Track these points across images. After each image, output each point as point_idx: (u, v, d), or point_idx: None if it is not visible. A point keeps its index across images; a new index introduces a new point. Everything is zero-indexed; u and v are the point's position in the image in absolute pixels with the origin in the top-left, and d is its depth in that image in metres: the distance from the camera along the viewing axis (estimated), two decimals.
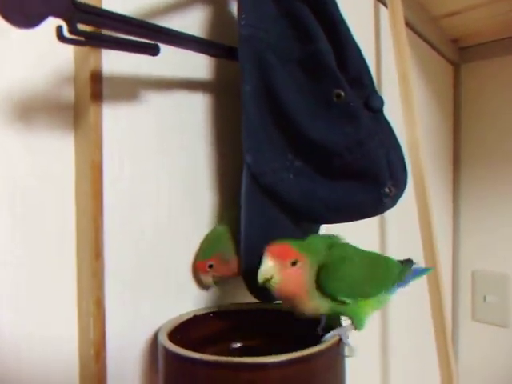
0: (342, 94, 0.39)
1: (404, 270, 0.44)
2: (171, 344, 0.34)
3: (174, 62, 0.42)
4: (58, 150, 0.34)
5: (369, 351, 0.79)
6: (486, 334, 1.11)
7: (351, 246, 0.41)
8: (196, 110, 0.45)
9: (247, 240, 0.41)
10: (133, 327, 0.39)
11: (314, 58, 0.40)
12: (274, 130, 0.41)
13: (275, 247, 0.34)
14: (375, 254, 0.43)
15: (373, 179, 0.40)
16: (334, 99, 0.40)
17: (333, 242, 0.40)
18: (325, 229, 0.48)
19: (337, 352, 0.36)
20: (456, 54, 1.13)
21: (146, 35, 0.33)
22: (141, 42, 0.33)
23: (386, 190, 0.40)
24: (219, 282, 0.44)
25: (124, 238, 0.38)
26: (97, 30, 0.33)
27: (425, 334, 0.83)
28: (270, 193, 0.41)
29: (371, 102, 0.42)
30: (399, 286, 0.43)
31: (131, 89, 0.39)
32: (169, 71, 0.42)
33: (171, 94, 0.42)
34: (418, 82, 0.96)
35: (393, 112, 0.82)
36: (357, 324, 0.38)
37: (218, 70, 0.46)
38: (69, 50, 0.34)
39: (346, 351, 0.38)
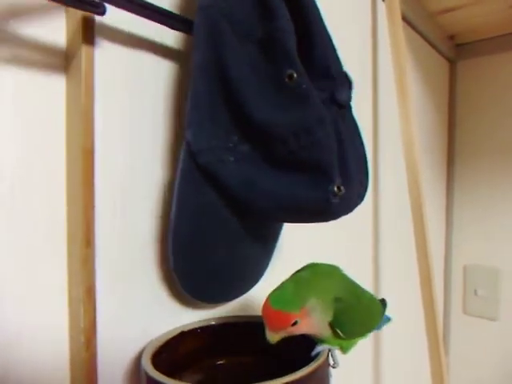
0: (295, 75, 0.36)
1: (382, 311, 0.45)
2: (151, 367, 0.33)
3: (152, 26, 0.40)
4: (48, 103, 0.33)
5: (360, 345, 0.79)
6: (477, 327, 1.12)
7: (353, 282, 0.41)
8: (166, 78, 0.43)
9: (176, 229, 0.38)
10: (123, 315, 0.39)
11: (271, 36, 0.37)
12: (220, 107, 0.37)
13: (269, 319, 0.34)
14: (369, 294, 0.43)
15: (319, 173, 0.36)
16: (286, 80, 0.36)
17: (334, 276, 0.40)
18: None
19: (325, 368, 0.37)
20: (452, 51, 1.13)
21: None
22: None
23: (335, 188, 0.36)
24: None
25: (115, 225, 0.38)
26: None
27: (416, 328, 0.84)
28: (208, 175, 0.37)
29: (337, 96, 0.39)
30: (378, 327, 0.45)
31: (119, 42, 0.38)
32: (152, 34, 0.41)
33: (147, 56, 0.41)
34: (414, 78, 0.96)
35: (388, 107, 0.82)
36: (344, 350, 0.41)
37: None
38: None
39: (331, 362, 0.39)
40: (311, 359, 0.36)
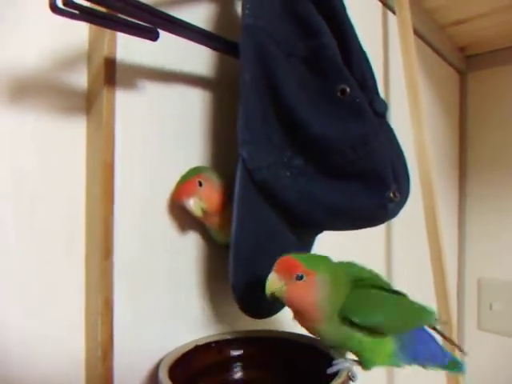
0: (348, 89, 0.37)
1: (429, 318, 0.39)
2: (168, 381, 0.33)
3: (179, 54, 0.42)
4: (68, 139, 0.34)
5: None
6: (492, 343, 1.09)
7: (384, 279, 0.39)
8: (196, 104, 0.44)
9: (237, 246, 0.38)
10: (141, 328, 0.38)
11: (317, 53, 0.38)
12: (272, 124, 0.39)
13: (281, 260, 0.34)
14: (404, 295, 0.40)
15: (377, 181, 0.38)
16: (339, 94, 0.37)
17: (351, 266, 0.39)
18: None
19: None
20: (463, 63, 1.13)
21: (145, 18, 0.32)
22: (139, 25, 0.32)
23: (391, 194, 0.38)
24: (206, 214, 0.39)
25: (134, 237, 0.38)
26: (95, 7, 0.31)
27: None
28: (264, 191, 0.38)
29: (375, 106, 0.40)
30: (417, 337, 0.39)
31: (140, 77, 0.39)
32: (174, 64, 0.42)
33: (175, 87, 0.42)
34: (425, 90, 0.96)
35: (401, 118, 0.82)
36: (365, 363, 0.37)
37: (221, 67, 0.46)
38: (83, 32, 0.34)
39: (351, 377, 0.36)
40: (329, 376, 0.35)
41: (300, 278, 0.34)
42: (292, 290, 0.34)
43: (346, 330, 0.35)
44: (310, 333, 0.37)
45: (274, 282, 0.34)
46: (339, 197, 0.38)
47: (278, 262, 0.35)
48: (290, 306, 0.36)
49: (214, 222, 0.41)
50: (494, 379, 1.09)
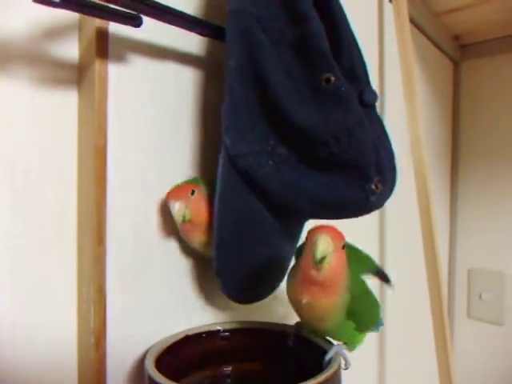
0: (332, 78, 0.36)
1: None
2: (154, 370, 0.32)
3: (172, 31, 0.40)
4: (59, 115, 0.33)
5: (365, 350, 0.79)
6: (481, 331, 1.11)
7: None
8: (189, 82, 0.43)
9: (219, 232, 0.38)
10: (134, 315, 0.38)
11: (304, 39, 0.37)
12: (256, 111, 0.38)
13: (327, 227, 0.33)
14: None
15: (359, 173, 0.37)
16: (323, 83, 0.36)
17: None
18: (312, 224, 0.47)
19: (339, 372, 0.36)
20: (457, 52, 1.13)
21: (127, 4, 0.30)
22: (123, 12, 0.31)
23: (372, 186, 0.37)
24: (189, 225, 0.39)
25: (127, 223, 0.37)
26: None
27: (423, 330, 0.84)
28: (247, 179, 0.38)
29: (364, 96, 0.39)
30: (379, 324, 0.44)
31: (134, 52, 0.38)
32: (168, 40, 0.41)
33: (169, 63, 0.41)
34: (419, 78, 0.96)
35: (396, 107, 0.82)
36: (350, 346, 0.40)
37: (214, 46, 0.45)
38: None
39: (343, 364, 0.38)
40: (321, 368, 0.35)
41: (343, 247, 0.34)
42: (338, 258, 0.33)
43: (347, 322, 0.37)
44: (313, 315, 0.36)
45: (328, 245, 0.32)
46: (321, 187, 0.38)
47: (322, 227, 0.33)
48: (326, 275, 0.33)
49: (195, 237, 0.40)
50: (483, 365, 1.11)
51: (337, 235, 0.33)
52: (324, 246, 0.32)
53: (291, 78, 0.37)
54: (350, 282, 0.36)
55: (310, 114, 0.37)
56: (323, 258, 0.32)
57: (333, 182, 0.38)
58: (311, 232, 0.34)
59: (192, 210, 0.38)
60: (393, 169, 0.42)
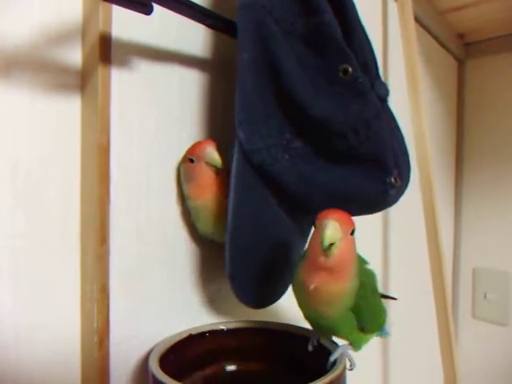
0: (350, 69, 0.35)
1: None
2: (158, 369, 0.32)
3: (176, 33, 0.40)
4: (63, 119, 0.33)
5: (369, 351, 0.78)
6: (486, 331, 1.11)
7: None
8: (193, 84, 0.43)
9: (234, 232, 0.37)
10: (138, 315, 0.38)
11: (318, 31, 0.36)
12: (271, 105, 0.37)
13: (337, 212, 0.32)
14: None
15: (378, 166, 0.37)
16: (340, 75, 0.36)
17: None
18: None
19: (344, 374, 0.35)
20: (461, 50, 1.12)
21: None
22: None
23: (392, 179, 0.36)
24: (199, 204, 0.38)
25: (130, 223, 0.37)
26: None
27: (427, 331, 0.83)
28: (262, 174, 0.37)
29: (377, 89, 0.38)
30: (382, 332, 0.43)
31: (137, 56, 0.37)
32: (171, 43, 0.40)
33: (172, 66, 0.41)
34: (423, 76, 0.95)
35: (400, 106, 0.81)
36: (356, 346, 0.39)
37: (219, 46, 0.45)
38: (77, 6, 0.33)
39: (347, 365, 0.37)
40: (326, 368, 0.34)
41: (352, 232, 0.33)
42: (346, 244, 0.32)
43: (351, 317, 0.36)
44: (320, 301, 0.35)
45: (337, 232, 0.31)
46: (339, 181, 0.37)
47: (331, 211, 0.32)
48: (335, 261, 0.33)
49: (206, 204, 0.39)
50: (487, 366, 1.11)
51: (346, 221, 0.32)
52: (332, 232, 0.31)
53: (306, 70, 0.37)
54: (359, 269, 0.35)
55: (327, 105, 0.36)
56: (331, 245, 0.31)
57: (351, 175, 0.37)
58: (320, 216, 0.32)
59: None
60: (407, 163, 0.41)
